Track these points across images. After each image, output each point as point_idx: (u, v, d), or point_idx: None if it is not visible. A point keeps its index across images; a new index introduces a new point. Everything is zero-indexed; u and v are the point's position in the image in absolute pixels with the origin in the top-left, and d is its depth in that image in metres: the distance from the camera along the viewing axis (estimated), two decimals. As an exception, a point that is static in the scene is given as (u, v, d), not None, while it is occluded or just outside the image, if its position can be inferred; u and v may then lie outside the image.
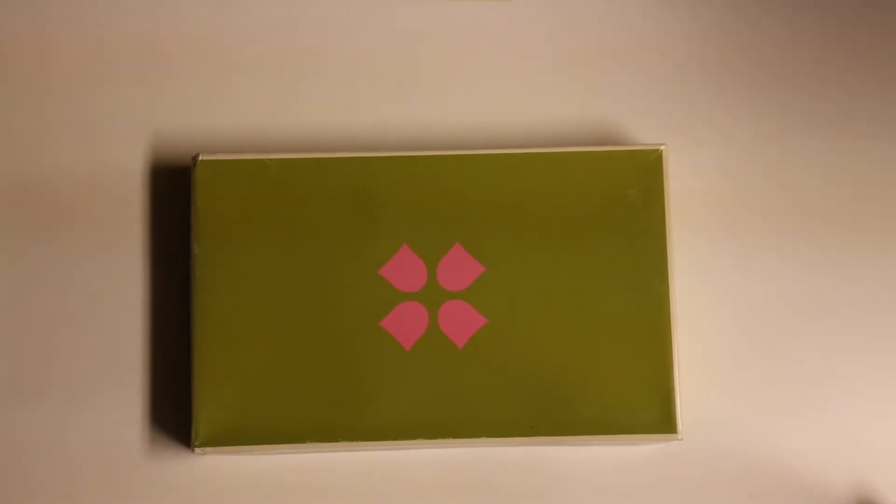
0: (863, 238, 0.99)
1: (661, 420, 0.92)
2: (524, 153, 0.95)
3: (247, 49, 1.00)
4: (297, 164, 0.94)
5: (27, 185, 0.98)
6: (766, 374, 0.97)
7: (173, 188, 0.98)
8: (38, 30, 1.00)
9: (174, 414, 0.95)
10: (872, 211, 0.99)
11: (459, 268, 0.94)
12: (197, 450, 0.92)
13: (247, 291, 0.93)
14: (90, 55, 0.99)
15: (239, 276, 0.93)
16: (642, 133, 0.99)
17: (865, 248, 0.99)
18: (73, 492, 0.95)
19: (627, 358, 0.93)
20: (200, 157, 0.94)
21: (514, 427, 0.92)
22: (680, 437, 0.92)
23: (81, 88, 0.99)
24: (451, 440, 0.92)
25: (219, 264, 0.93)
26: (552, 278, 0.94)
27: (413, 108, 1.00)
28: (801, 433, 0.97)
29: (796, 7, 1.01)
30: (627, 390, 0.93)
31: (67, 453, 0.96)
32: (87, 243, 0.98)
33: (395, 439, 0.92)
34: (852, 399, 0.97)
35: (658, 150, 0.95)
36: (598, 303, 0.93)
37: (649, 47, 1.00)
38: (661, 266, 0.94)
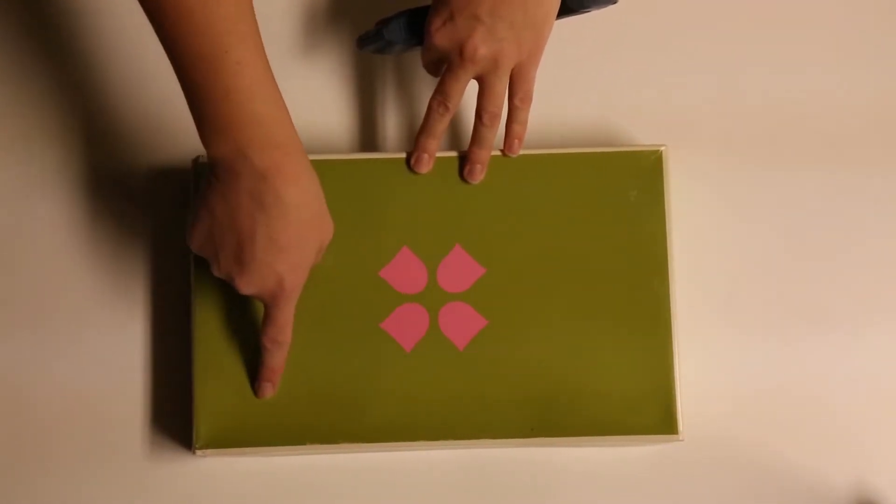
0: (863, 247, 0.99)
1: (663, 420, 0.92)
2: (525, 154, 0.94)
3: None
4: (297, 166, 0.94)
5: (28, 187, 0.98)
6: (767, 375, 0.97)
7: (173, 189, 0.98)
8: (38, 30, 1.00)
9: (175, 416, 0.95)
10: (872, 220, 0.99)
11: (460, 269, 0.93)
12: (198, 452, 0.92)
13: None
14: (91, 57, 0.99)
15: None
16: (642, 134, 0.99)
17: (865, 258, 0.99)
18: (75, 494, 0.95)
19: (628, 359, 0.93)
20: (200, 159, 0.94)
21: (514, 428, 0.92)
22: (681, 438, 0.92)
23: (82, 91, 0.99)
24: (451, 441, 0.92)
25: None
26: (552, 279, 0.93)
27: (414, 110, 1.00)
28: (801, 433, 0.97)
29: (795, 5, 1.01)
30: (628, 391, 0.92)
31: (69, 456, 0.96)
32: (87, 244, 0.97)
33: (396, 440, 0.92)
34: (853, 400, 0.97)
35: (658, 150, 0.95)
36: (599, 304, 0.93)
37: (649, 48, 1.00)
38: (662, 267, 0.94)
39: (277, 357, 0.90)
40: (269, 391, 0.92)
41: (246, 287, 0.86)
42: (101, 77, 0.99)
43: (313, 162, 0.94)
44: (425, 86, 1.00)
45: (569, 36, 0.98)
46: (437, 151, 0.94)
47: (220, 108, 0.82)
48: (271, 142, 0.82)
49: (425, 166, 0.94)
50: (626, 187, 0.94)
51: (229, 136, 0.82)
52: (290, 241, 0.84)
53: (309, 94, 0.99)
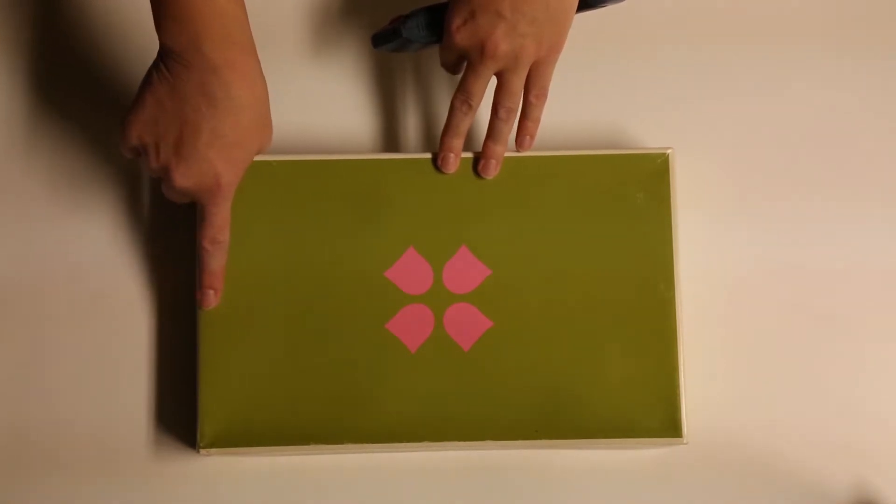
0: (880, 265, 0.99)
1: (667, 424, 0.92)
2: (531, 156, 0.94)
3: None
4: (302, 166, 0.94)
5: (28, 187, 0.98)
6: (770, 378, 0.97)
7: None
8: (42, 34, 1.00)
9: (180, 415, 0.95)
10: (879, 216, 0.99)
11: (465, 270, 0.93)
12: (202, 451, 0.92)
13: (252, 293, 0.93)
14: (94, 55, 0.99)
15: (244, 277, 0.93)
16: (649, 137, 0.99)
17: (878, 272, 0.99)
18: (80, 492, 0.95)
19: (633, 362, 0.93)
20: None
21: (519, 430, 0.92)
22: (685, 442, 0.92)
23: (86, 89, 0.99)
24: (456, 443, 0.92)
25: (224, 266, 0.93)
26: (558, 281, 0.93)
27: (421, 110, 1.00)
28: (803, 436, 0.97)
29: (801, 11, 1.01)
30: (633, 394, 0.92)
31: (73, 454, 0.96)
32: (90, 242, 0.97)
33: (400, 441, 0.92)
34: (853, 401, 0.97)
35: (665, 153, 0.95)
36: (604, 306, 0.93)
37: (656, 52, 1.00)
38: (668, 270, 0.94)
39: (219, 258, 0.91)
40: (212, 299, 0.92)
41: (182, 179, 0.86)
42: (105, 76, 0.99)
43: (320, 162, 0.94)
44: (442, 84, 1.00)
45: (576, 38, 0.98)
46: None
47: None
48: (228, 37, 0.83)
49: (452, 166, 0.94)
50: (632, 190, 0.94)
51: (187, 26, 0.82)
52: (234, 138, 0.85)
53: (313, 95, 0.99)
